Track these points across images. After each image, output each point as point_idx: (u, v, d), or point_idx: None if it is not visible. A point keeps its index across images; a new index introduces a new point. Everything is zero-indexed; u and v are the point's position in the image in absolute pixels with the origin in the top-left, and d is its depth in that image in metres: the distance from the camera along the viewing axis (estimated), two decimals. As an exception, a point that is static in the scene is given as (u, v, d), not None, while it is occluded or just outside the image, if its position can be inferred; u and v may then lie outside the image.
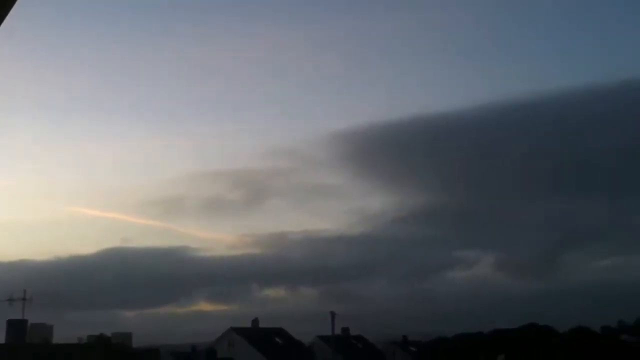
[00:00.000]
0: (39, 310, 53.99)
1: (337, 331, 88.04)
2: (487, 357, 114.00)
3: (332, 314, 64.96)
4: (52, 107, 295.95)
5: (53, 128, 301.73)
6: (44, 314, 57.62)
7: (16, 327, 48.58)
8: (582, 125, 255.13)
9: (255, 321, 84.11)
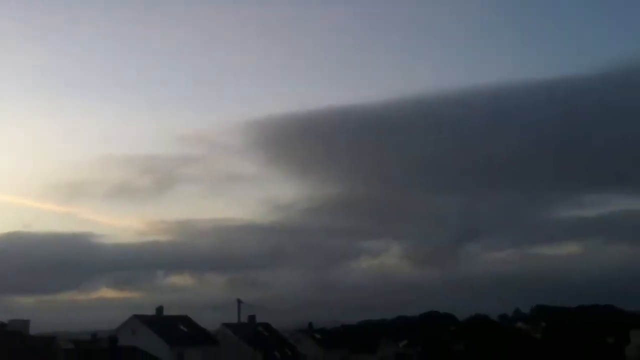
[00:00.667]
0: None
1: (244, 319, 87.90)
2: (389, 343, 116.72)
3: (239, 302, 64.86)
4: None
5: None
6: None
7: None
8: (483, 124, 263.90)
9: (159, 309, 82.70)
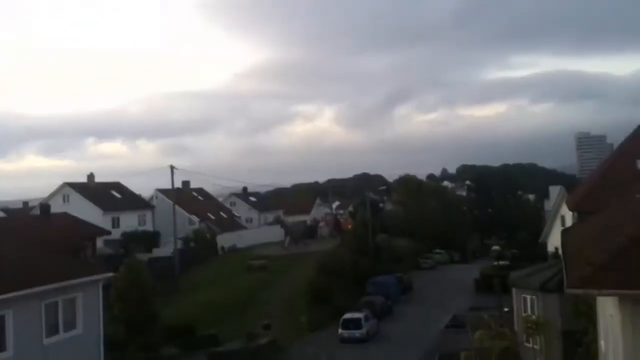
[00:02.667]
0: None
1: (177, 185, 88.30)
2: (323, 204, 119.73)
3: (172, 168, 64.83)
4: None
5: None
6: None
7: None
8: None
9: (90, 176, 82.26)
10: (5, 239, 26.26)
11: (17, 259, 24.11)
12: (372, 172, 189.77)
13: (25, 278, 22.74)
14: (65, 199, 76.85)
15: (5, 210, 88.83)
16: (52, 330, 23.47)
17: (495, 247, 68.38)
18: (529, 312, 31.16)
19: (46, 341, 22.88)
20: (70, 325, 24.29)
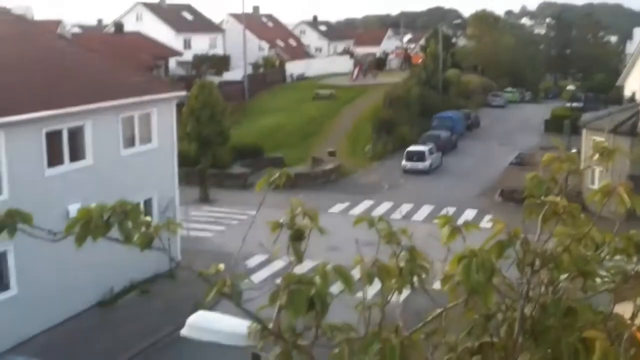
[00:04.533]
0: None
1: (248, 10, 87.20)
2: (395, 36, 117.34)
3: (242, -10, 63.98)
4: None
5: None
6: None
7: None
8: None
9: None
10: (83, 53, 26.91)
11: (95, 72, 24.84)
12: (446, 5, 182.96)
13: (104, 91, 23.58)
14: (138, 17, 77.25)
15: (80, 27, 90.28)
16: (129, 142, 24.61)
17: (570, 88, 66.55)
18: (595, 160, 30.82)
19: (124, 152, 24.07)
20: (145, 139, 25.36)
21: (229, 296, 2.91)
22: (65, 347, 19.49)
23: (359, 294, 3.22)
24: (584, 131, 36.73)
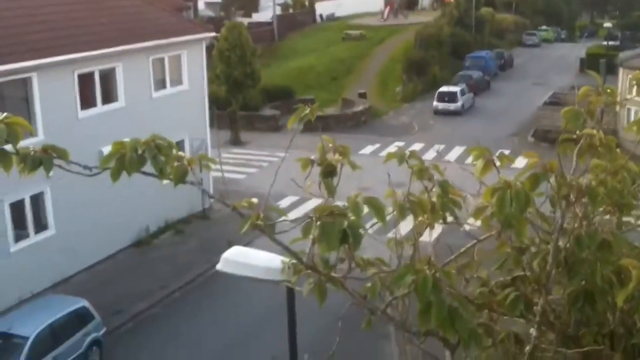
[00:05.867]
0: None
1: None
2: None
3: None
4: None
5: None
6: None
7: None
8: None
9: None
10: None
11: (124, 14, 24.76)
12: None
13: (133, 32, 23.54)
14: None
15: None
16: (160, 84, 24.67)
17: (607, 25, 64.71)
18: (634, 93, 30.18)
19: (155, 94, 24.16)
20: (176, 81, 25.39)
21: (263, 229, 2.93)
22: (103, 285, 20.02)
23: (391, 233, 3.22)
24: (620, 69, 35.89)
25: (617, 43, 62.38)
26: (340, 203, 3.02)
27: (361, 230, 2.81)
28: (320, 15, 77.62)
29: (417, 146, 36.16)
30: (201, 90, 26.47)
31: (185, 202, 24.58)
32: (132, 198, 21.69)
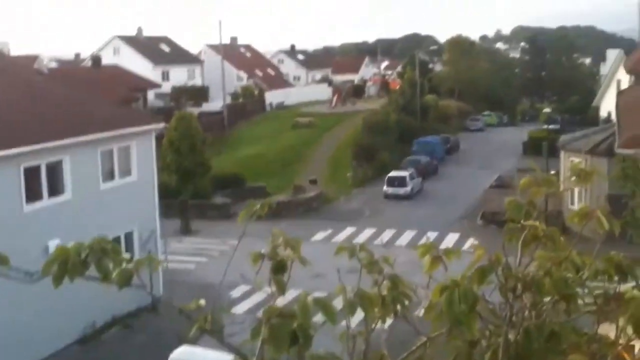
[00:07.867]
0: None
1: (226, 41, 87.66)
2: (372, 63, 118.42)
3: (219, 23, 64.35)
4: None
5: None
6: None
7: None
8: None
9: (139, 30, 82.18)
10: (60, 87, 26.83)
11: (72, 106, 24.74)
12: (423, 32, 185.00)
13: (82, 125, 23.47)
14: (116, 51, 77.33)
15: (58, 61, 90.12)
16: (109, 176, 24.46)
17: (546, 110, 67.26)
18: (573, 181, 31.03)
19: (103, 186, 23.91)
20: (125, 172, 25.23)
21: (210, 332, 2.87)
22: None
23: (343, 323, 3.20)
24: (562, 153, 37.10)
25: (558, 127, 64.77)
26: (293, 290, 3.00)
27: (311, 331, 2.77)
28: (270, 104, 78.99)
29: (368, 231, 36.35)
30: (151, 181, 26.32)
31: (134, 296, 23.97)
32: (78, 293, 21.07)
